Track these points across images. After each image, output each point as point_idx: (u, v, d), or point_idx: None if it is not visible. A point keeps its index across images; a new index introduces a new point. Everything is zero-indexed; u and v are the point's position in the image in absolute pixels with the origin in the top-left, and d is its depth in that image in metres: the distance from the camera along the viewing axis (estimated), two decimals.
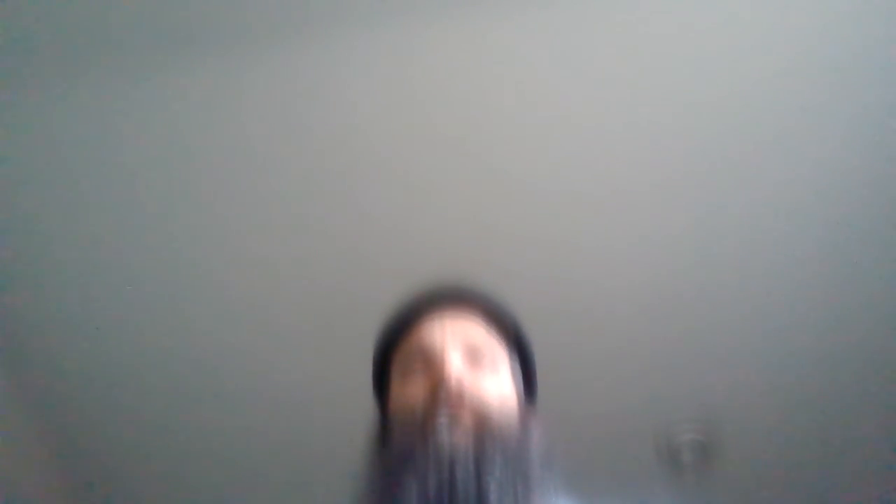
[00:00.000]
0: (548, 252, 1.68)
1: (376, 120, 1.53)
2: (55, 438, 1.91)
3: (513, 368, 0.93)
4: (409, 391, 0.85)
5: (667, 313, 1.75)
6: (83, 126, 1.51)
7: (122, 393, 1.85)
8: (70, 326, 1.75)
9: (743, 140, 1.55)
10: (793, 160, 1.57)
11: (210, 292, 1.72)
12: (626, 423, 1.88)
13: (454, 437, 0.76)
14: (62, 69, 1.44)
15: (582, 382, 1.81)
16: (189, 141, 1.54)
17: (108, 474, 1.97)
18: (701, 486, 1.96)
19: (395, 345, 0.93)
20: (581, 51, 1.46)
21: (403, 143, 1.56)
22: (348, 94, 1.50)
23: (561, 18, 1.43)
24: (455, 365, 0.84)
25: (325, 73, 1.48)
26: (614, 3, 1.42)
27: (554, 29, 1.44)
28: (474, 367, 0.86)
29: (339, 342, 1.73)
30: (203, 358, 1.80)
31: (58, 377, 1.82)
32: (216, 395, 1.85)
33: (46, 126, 1.50)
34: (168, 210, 1.62)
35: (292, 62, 1.46)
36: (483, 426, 0.79)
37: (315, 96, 1.50)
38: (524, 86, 1.50)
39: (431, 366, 0.85)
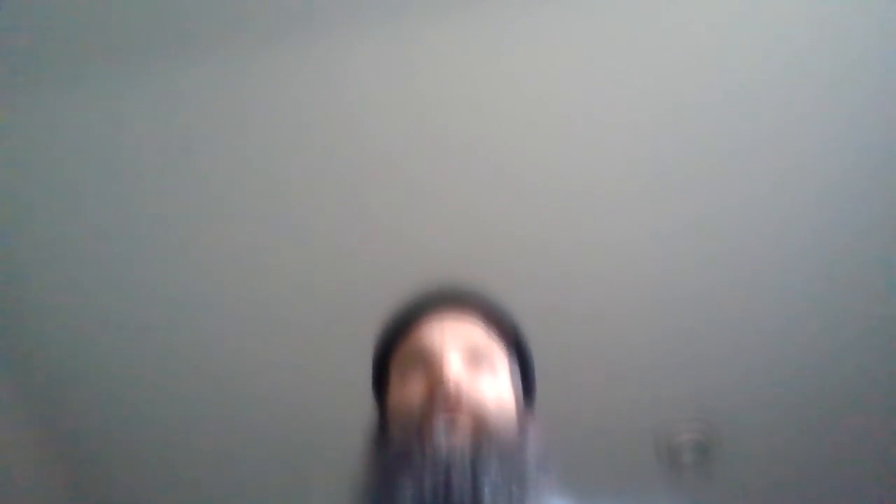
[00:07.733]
0: (548, 252, 1.68)
1: (378, 120, 1.53)
2: (55, 438, 1.91)
3: (512, 371, 0.93)
4: (408, 392, 0.85)
5: (667, 313, 1.75)
6: (83, 126, 1.51)
7: (123, 393, 1.85)
8: (70, 326, 1.75)
9: (743, 140, 1.55)
10: (793, 159, 1.57)
11: (211, 292, 1.72)
12: (626, 423, 1.88)
13: (451, 440, 0.77)
14: (62, 69, 1.44)
15: (582, 382, 1.81)
16: (190, 141, 1.54)
17: (108, 474, 1.97)
18: (701, 486, 1.96)
19: (395, 345, 0.93)
20: (582, 51, 1.47)
21: (405, 143, 1.56)
22: (349, 95, 1.50)
23: (561, 19, 1.43)
24: (454, 367, 0.84)
25: (326, 73, 1.48)
26: (615, 4, 1.42)
27: (554, 29, 1.44)
28: (473, 369, 0.87)
29: (341, 342, 1.73)
30: (204, 358, 1.80)
31: (58, 377, 1.82)
32: (217, 394, 1.85)
33: (47, 126, 1.50)
34: (169, 210, 1.62)
35: (293, 62, 1.46)
36: (480, 428, 0.79)
37: (316, 97, 1.50)
38: (524, 86, 1.50)
39: (430, 367, 0.85)
